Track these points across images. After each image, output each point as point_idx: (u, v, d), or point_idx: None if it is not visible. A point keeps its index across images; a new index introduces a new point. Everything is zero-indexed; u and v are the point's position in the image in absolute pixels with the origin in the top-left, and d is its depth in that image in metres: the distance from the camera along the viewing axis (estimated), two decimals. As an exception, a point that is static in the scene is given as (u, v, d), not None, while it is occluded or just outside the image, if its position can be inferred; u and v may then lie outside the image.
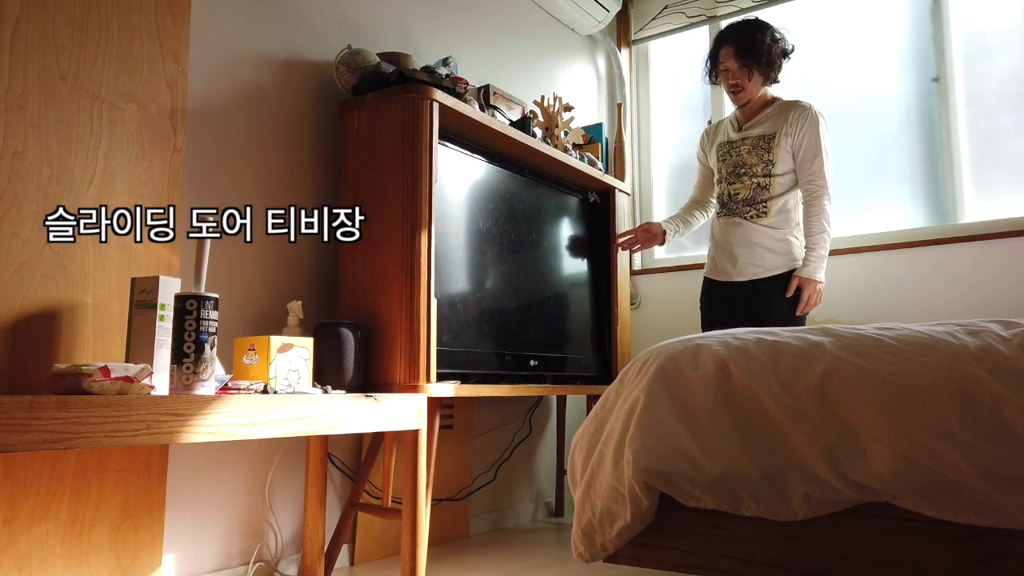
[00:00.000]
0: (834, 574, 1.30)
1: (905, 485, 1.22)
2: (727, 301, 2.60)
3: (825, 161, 2.51)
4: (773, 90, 2.68)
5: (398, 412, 1.78)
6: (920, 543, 1.24)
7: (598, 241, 2.91)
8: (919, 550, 1.24)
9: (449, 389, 2.05)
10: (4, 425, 1.09)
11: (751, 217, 2.56)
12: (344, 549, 2.24)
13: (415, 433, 1.84)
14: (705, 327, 2.64)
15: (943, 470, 1.20)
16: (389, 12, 2.58)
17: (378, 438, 2.19)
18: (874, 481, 1.25)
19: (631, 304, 3.19)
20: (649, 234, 2.79)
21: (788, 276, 2.50)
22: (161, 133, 1.70)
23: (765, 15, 3.40)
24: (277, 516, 2.11)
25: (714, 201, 2.77)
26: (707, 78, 2.73)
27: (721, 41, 2.65)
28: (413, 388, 1.96)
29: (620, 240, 2.85)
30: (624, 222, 3.01)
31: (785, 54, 2.63)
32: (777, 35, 2.61)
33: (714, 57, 2.67)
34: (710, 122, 3.45)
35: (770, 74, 2.60)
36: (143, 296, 1.50)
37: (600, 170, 2.93)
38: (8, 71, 1.45)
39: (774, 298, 2.49)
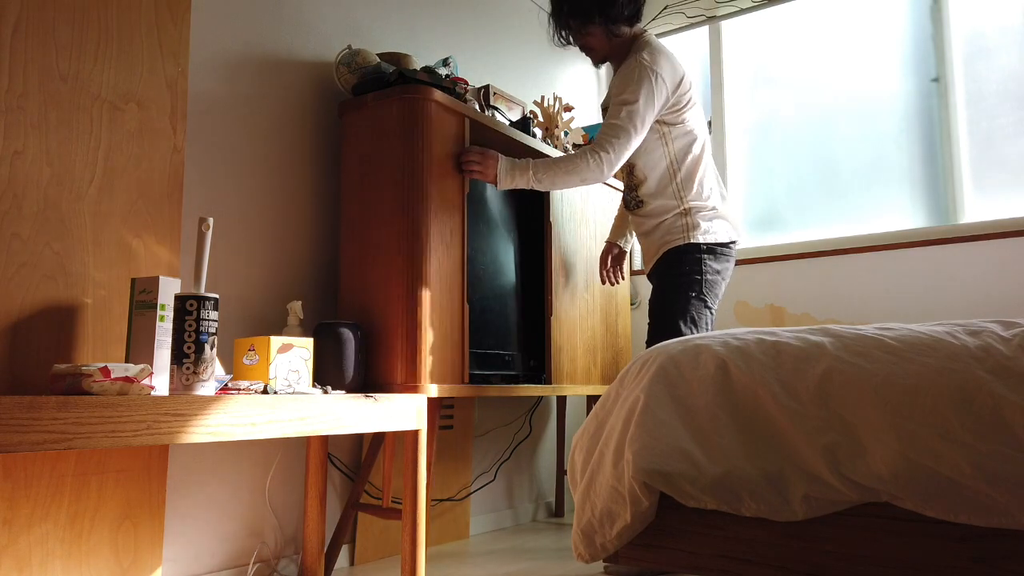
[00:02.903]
0: (834, 574, 1.30)
1: (905, 485, 1.22)
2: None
3: (613, 113, 2.15)
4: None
5: (398, 412, 1.78)
6: (920, 543, 1.24)
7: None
8: (919, 550, 1.24)
9: (449, 389, 2.05)
10: (4, 425, 1.09)
11: (633, 208, 2.36)
12: (344, 549, 2.24)
13: (415, 433, 1.84)
14: None
15: (943, 470, 1.20)
16: (389, 12, 2.59)
17: (378, 438, 2.19)
18: (874, 481, 1.25)
19: (631, 304, 3.19)
20: (619, 261, 2.64)
21: (663, 257, 2.26)
22: (161, 133, 1.70)
23: (765, 15, 3.41)
24: (277, 516, 2.11)
25: None
26: (555, 40, 2.34)
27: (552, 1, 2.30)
28: (413, 388, 1.96)
29: (607, 279, 2.66)
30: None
31: None
32: None
33: (554, 17, 2.31)
34: None
35: (608, 24, 2.21)
36: (143, 296, 1.50)
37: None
38: (8, 71, 1.45)
39: (653, 284, 2.32)
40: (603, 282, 2.68)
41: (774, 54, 3.40)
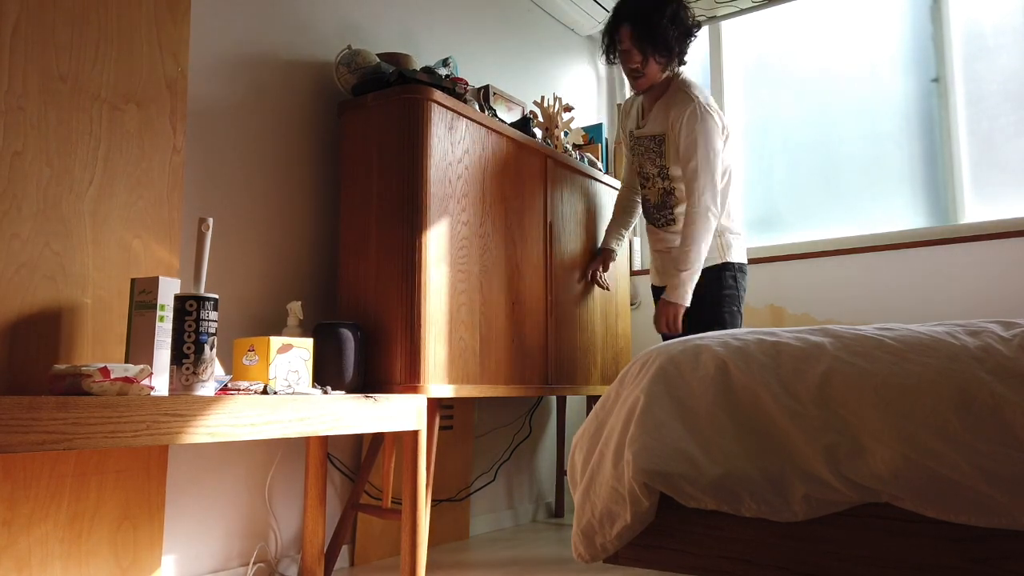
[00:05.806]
0: (834, 574, 1.30)
1: (905, 485, 1.22)
2: None
3: (703, 167, 2.28)
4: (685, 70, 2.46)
5: (398, 412, 1.77)
6: (920, 543, 1.24)
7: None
8: (919, 550, 1.24)
9: (449, 389, 2.05)
10: (4, 425, 1.09)
11: (661, 225, 2.48)
12: (344, 549, 2.24)
13: (415, 434, 1.84)
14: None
15: (943, 470, 1.20)
16: (389, 12, 2.58)
17: (378, 438, 2.19)
18: (874, 481, 1.24)
19: (631, 304, 3.19)
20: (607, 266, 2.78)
21: (700, 275, 2.36)
22: (161, 133, 1.70)
23: (765, 15, 3.41)
24: (277, 516, 2.11)
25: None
26: (603, 57, 2.46)
27: (619, 17, 2.36)
28: (413, 388, 1.96)
29: (594, 280, 2.78)
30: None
31: (688, 34, 2.36)
32: (680, 14, 2.33)
33: (611, 34, 2.39)
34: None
35: (670, 61, 2.35)
36: (143, 297, 1.50)
37: (600, 170, 2.93)
38: (8, 72, 1.45)
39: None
40: (585, 278, 2.76)
41: (774, 54, 3.40)
